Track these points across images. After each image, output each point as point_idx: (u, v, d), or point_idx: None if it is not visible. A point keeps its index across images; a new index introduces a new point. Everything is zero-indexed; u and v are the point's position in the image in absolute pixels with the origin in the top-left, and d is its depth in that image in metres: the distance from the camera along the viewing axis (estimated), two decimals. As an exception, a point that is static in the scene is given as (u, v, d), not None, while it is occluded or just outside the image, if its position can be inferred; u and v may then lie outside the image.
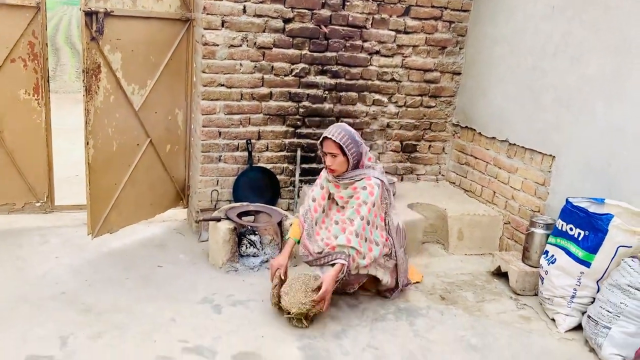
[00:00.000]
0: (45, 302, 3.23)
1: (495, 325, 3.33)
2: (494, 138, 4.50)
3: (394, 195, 3.49)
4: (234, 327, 3.11)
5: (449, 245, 4.37)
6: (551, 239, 3.51)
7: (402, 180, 4.94)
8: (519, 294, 3.73)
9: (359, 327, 3.20)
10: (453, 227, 4.33)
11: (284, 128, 4.46)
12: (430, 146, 4.95)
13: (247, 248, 3.93)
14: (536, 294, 3.73)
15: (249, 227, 3.99)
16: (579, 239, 3.28)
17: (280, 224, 3.96)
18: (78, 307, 3.22)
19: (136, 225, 4.35)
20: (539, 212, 4.04)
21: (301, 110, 4.46)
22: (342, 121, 4.59)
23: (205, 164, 4.32)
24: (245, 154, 4.41)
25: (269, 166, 4.51)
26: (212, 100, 4.20)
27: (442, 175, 5.09)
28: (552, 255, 3.45)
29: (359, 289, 3.55)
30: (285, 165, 4.56)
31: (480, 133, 4.65)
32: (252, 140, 4.39)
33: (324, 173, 3.53)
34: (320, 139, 3.38)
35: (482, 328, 3.29)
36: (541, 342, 3.19)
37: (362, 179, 3.33)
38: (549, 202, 3.94)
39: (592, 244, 3.20)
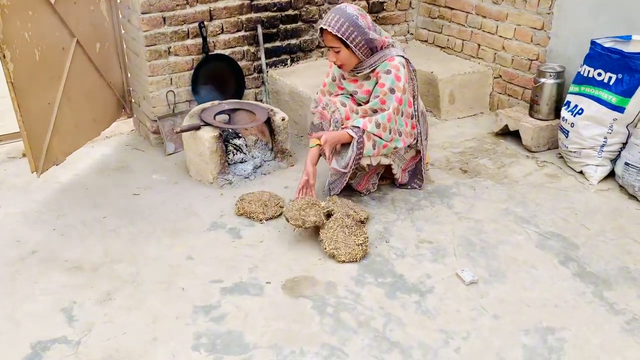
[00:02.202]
0: (18, 268, 2.54)
1: (530, 191, 3.12)
2: (474, -17, 4.01)
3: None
4: (265, 250, 2.64)
5: (441, 112, 4.02)
6: (573, 88, 3.24)
7: (371, 46, 4.39)
8: (533, 151, 3.52)
9: (398, 222, 2.85)
10: (444, 90, 3.95)
11: (237, 2, 3.67)
12: (397, 2, 4.38)
13: (234, 155, 3.33)
14: (549, 149, 3.55)
15: (231, 131, 3.36)
16: (611, 83, 3.02)
17: (268, 122, 3.35)
18: (62, 265, 2.57)
19: (79, 150, 3.54)
20: (537, 59, 3.73)
21: (256, -24, 3.66)
22: (303, -15, 3.86)
23: (153, 60, 3.50)
24: (199, 41, 3.62)
25: (227, 52, 3.77)
26: (147, -23, 3.29)
27: (411, 34, 4.59)
28: (576, 106, 3.20)
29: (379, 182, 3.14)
30: (245, 47, 3.83)
31: (456, -21, 4.13)
32: (205, 23, 3.59)
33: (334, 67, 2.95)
34: (318, 31, 2.77)
35: (519, 196, 3.06)
36: (581, 199, 3.04)
37: (383, 61, 2.76)
38: (551, 47, 3.62)
39: (628, 87, 2.96)
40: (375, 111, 2.78)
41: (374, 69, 2.78)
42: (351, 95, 2.93)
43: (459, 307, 2.30)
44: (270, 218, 2.87)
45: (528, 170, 3.33)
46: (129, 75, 3.85)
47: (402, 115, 2.80)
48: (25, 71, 2.94)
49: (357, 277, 2.46)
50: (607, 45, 3.06)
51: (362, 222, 2.75)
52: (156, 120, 3.61)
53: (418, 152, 3.03)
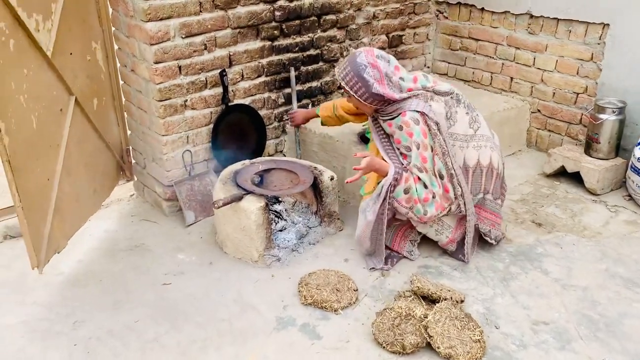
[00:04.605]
0: (40, 414, 1.92)
1: (620, 244, 2.78)
2: (506, 12, 3.69)
3: (469, 113, 2.60)
4: (358, 353, 2.14)
5: (481, 152, 3.65)
6: (651, 126, 2.96)
7: (390, 83, 4.00)
8: (598, 194, 3.21)
9: (498, 298, 2.42)
10: (484, 130, 3.59)
11: (258, 43, 3.18)
12: (415, 34, 4.01)
13: (275, 224, 2.82)
14: (612, 190, 3.26)
15: (271, 196, 2.84)
16: (698, 121, 2.75)
17: (315, 183, 2.86)
18: (102, 402, 1.97)
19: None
20: (585, 93, 3.45)
21: (277, 13, 3.19)
22: (324, 19, 3.42)
23: (168, 117, 2.94)
24: (217, 90, 3.09)
25: (247, 100, 3.26)
26: (161, 20, 2.75)
27: (428, 67, 4.24)
28: (654, 145, 2.92)
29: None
30: (266, 95, 3.33)
31: (482, 9, 3.81)
32: (225, 70, 3.07)
33: None
34: None
35: (612, 252, 2.72)
36: (677, 250, 2.74)
37: (398, 114, 2.47)
38: (603, 80, 3.34)
39: None
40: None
41: (392, 119, 2.50)
42: None
43: (619, 412, 1.89)
44: (347, 306, 2.37)
45: (604, 219, 3.01)
46: (129, 132, 3.26)
47: (433, 175, 2.49)
48: (22, 144, 2.33)
49: (485, 382, 2.01)
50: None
51: (461, 302, 2.31)
52: (171, 186, 3.04)
53: (463, 217, 2.63)
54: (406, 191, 2.44)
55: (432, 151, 2.47)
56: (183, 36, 2.84)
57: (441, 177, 2.50)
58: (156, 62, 2.79)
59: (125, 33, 2.91)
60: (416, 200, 2.45)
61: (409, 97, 2.47)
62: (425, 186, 2.45)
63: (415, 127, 2.43)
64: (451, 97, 2.57)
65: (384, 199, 2.47)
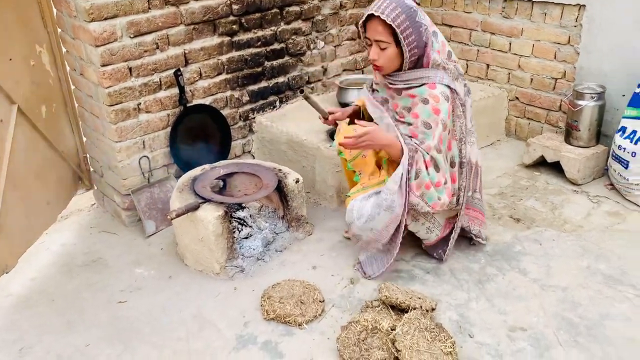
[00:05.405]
0: None
1: (602, 238, 2.64)
2: (479, -4, 3.53)
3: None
4: (322, 373, 2.00)
5: (458, 144, 3.50)
6: (630, 112, 2.81)
7: (363, 74, 3.83)
8: (579, 184, 3.07)
9: (472, 303, 2.28)
10: (460, 120, 3.44)
11: (216, 40, 3.00)
12: (386, 23, 3.83)
13: (239, 232, 2.66)
14: (594, 179, 3.12)
15: (233, 203, 2.68)
16: (680, 105, 2.61)
17: (280, 187, 2.70)
18: None
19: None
20: (564, 78, 3.29)
21: (235, 7, 3.01)
22: (286, 11, 3.25)
23: (120, 122, 2.77)
24: (174, 91, 2.92)
25: (208, 100, 3.09)
26: (105, 19, 2.57)
27: (402, 56, 4.06)
28: (635, 132, 2.77)
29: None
30: (228, 93, 3.16)
31: (455, -7, 3.65)
32: (181, 69, 2.89)
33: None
34: (363, 18, 2.16)
35: (594, 247, 2.58)
36: (662, 242, 2.60)
37: (423, 84, 2.19)
38: (581, 64, 3.19)
39: (703, 109, 2.55)
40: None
41: (411, 88, 2.22)
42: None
43: None
44: (312, 320, 2.22)
45: (585, 210, 2.87)
46: (85, 139, 3.09)
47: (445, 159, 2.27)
48: (-46, 161, 2.16)
49: (457, 399, 1.86)
50: (666, 60, 2.65)
51: (433, 310, 2.17)
52: (129, 194, 2.87)
53: (450, 216, 2.47)
54: (416, 176, 2.19)
55: (448, 134, 2.24)
56: (131, 36, 2.67)
57: (452, 165, 2.30)
58: (103, 65, 2.62)
59: (71, 35, 2.73)
60: (428, 184, 2.19)
61: (440, 66, 2.19)
62: (437, 169, 2.22)
63: (444, 104, 2.15)
64: (465, 85, 2.35)
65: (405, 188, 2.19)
